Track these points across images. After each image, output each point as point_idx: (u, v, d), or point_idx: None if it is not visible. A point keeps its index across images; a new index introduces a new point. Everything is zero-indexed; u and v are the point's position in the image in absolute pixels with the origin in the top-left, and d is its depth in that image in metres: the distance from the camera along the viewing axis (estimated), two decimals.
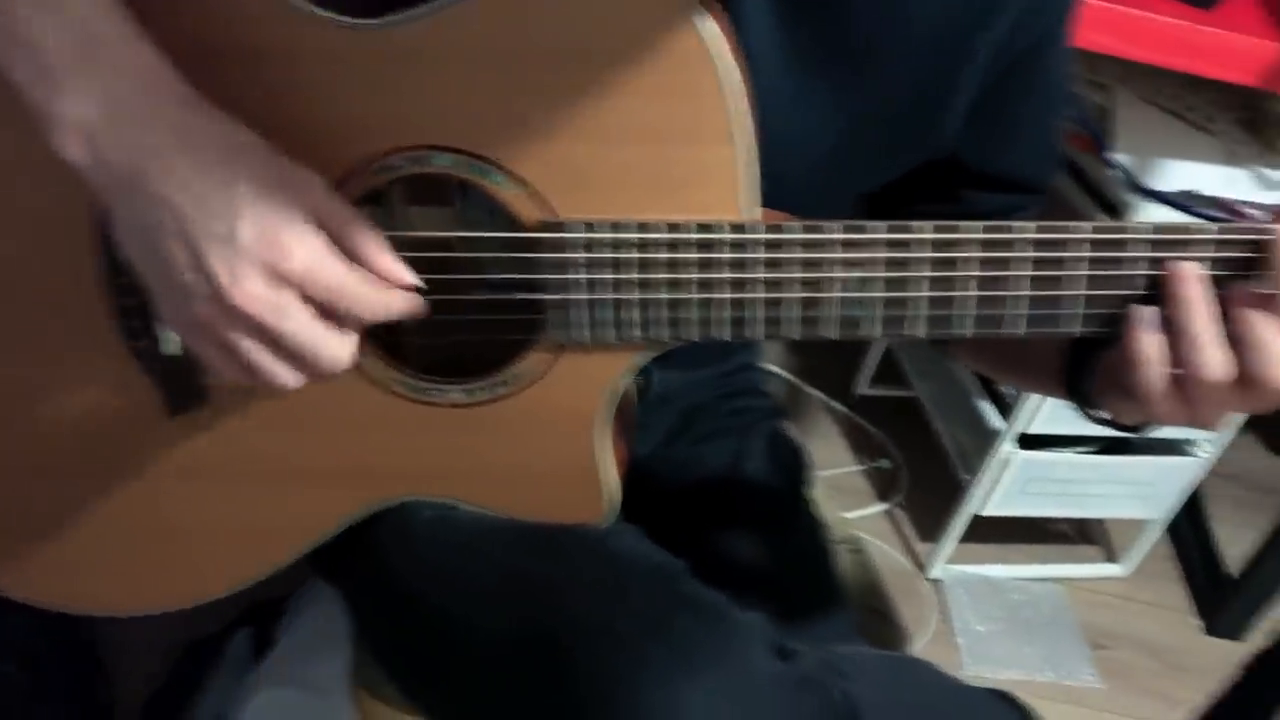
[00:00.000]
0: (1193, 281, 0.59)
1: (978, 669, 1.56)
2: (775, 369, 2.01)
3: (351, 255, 0.59)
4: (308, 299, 0.56)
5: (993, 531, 1.68)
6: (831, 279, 0.63)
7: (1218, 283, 0.59)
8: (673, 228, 0.62)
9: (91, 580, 0.78)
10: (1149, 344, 0.59)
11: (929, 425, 1.76)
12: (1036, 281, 0.61)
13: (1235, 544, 1.72)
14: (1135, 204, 1.28)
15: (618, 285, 0.64)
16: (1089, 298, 0.61)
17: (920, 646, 1.57)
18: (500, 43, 0.60)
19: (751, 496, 0.89)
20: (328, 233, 0.58)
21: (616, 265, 0.63)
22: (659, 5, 0.59)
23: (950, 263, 0.61)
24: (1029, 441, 1.53)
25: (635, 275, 0.63)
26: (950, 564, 1.69)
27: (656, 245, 0.63)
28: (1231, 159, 1.28)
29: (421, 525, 0.74)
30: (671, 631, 0.64)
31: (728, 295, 0.64)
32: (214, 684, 1.21)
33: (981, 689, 0.75)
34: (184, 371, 0.69)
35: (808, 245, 0.62)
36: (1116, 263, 0.60)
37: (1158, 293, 0.60)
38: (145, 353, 0.69)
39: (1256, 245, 0.59)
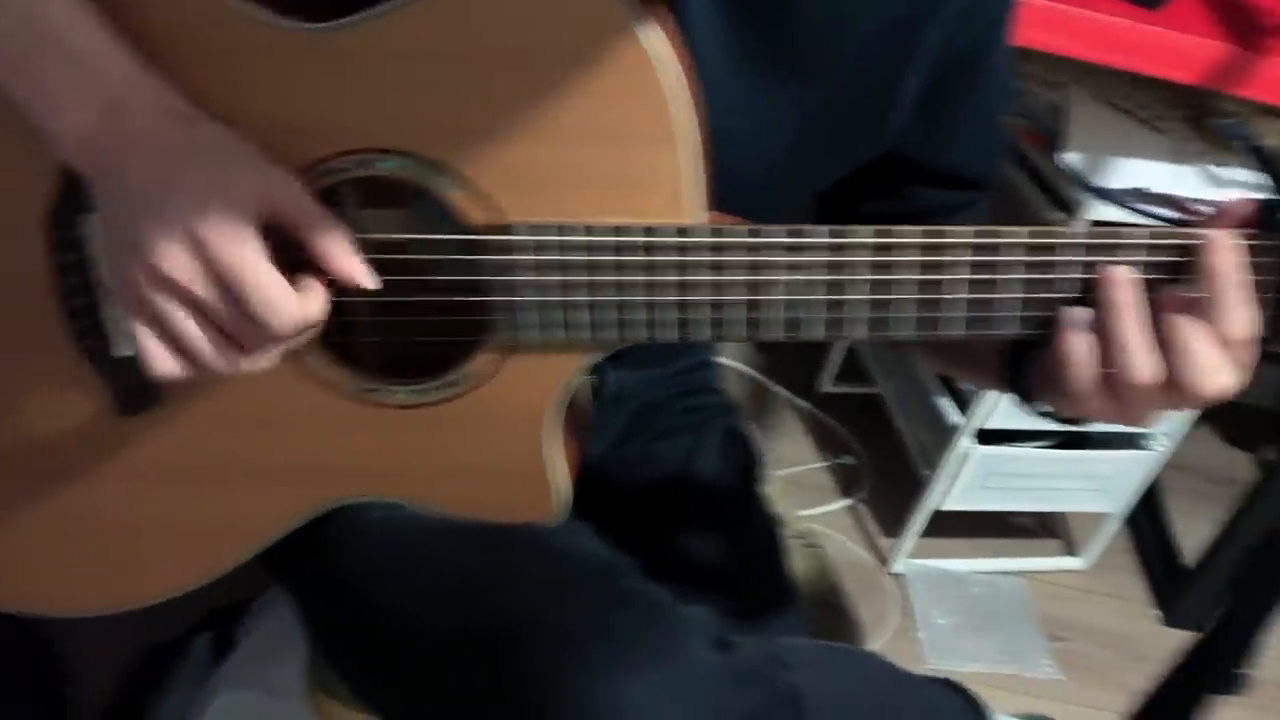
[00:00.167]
0: (1123, 285, 0.60)
1: (940, 663, 1.58)
2: (741, 367, 2.03)
3: (310, 253, 0.60)
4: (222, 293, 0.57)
5: (955, 526, 1.70)
6: (775, 282, 0.64)
7: (1150, 286, 0.60)
8: (619, 230, 0.63)
9: (44, 581, 0.78)
10: (1078, 345, 0.60)
11: (891, 422, 1.77)
12: (973, 285, 0.62)
13: (1193, 535, 1.75)
14: (1086, 202, 1.30)
15: (565, 287, 0.65)
16: (1025, 300, 0.63)
17: (883, 641, 1.59)
18: (445, 46, 0.61)
19: (703, 493, 0.90)
20: (289, 230, 0.59)
21: (563, 268, 0.64)
22: (601, 10, 0.59)
23: (889, 266, 0.62)
24: (987, 437, 1.55)
25: (582, 278, 0.64)
26: (912, 558, 1.71)
27: (603, 248, 0.63)
28: (1179, 157, 1.31)
29: (371, 525, 0.74)
30: (614, 627, 0.65)
31: (673, 298, 0.64)
32: (175, 687, 1.21)
33: (927, 678, 0.77)
34: (135, 372, 0.69)
35: (752, 249, 0.63)
36: (1050, 266, 0.62)
37: (1091, 295, 0.61)
38: (96, 353, 0.69)
39: (1186, 250, 0.60)
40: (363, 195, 0.69)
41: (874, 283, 0.63)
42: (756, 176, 0.73)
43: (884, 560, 1.73)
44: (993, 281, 0.62)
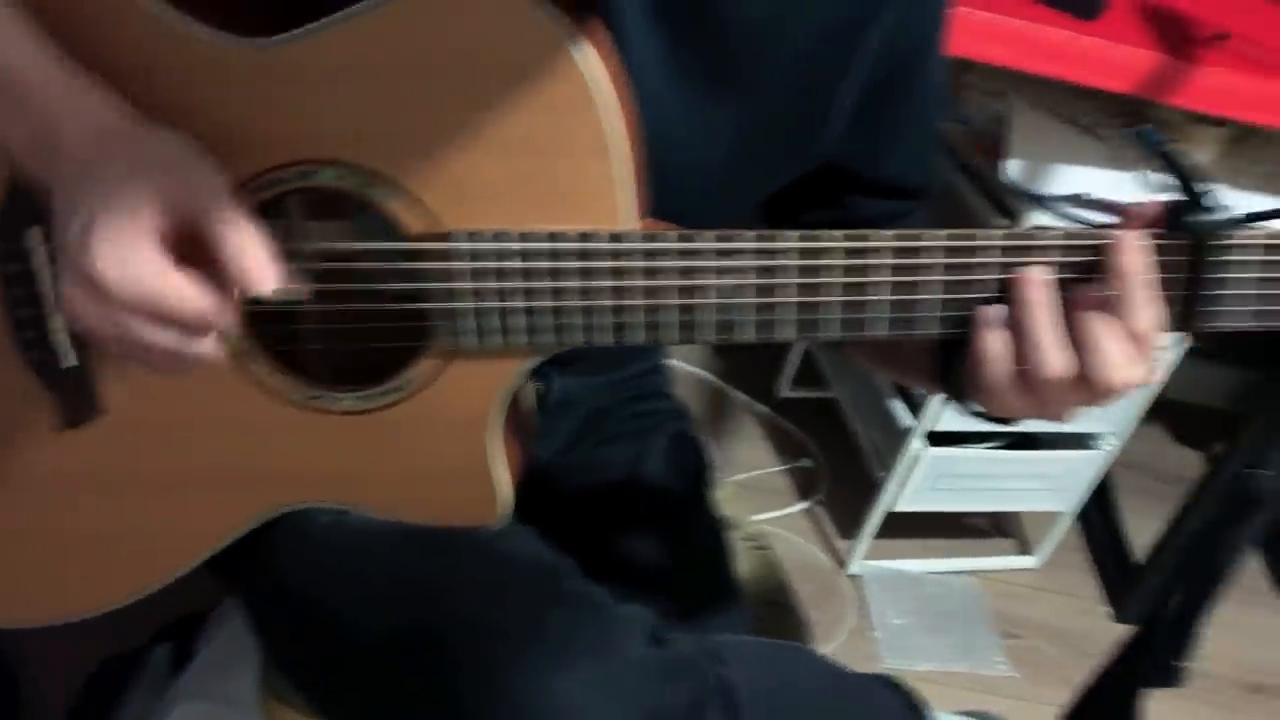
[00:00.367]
0: (1036, 285, 0.62)
1: (895, 661, 1.61)
2: (700, 372, 2.05)
3: (215, 255, 0.58)
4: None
5: (910, 527, 1.73)
6: (706, 286, 0.66)
7: (1063, 285, 0.63)
8: (553, 237, 0.65)
9: None
10: (994, 342, 0.62)
11: (847, 425, 1.80)
12: (896, 286, 0.64)
13: (1144, 533, 1.78)
14: (1028, 209, 1.33)
15: (502, 294, 0.66)
16: (945, 301, 0.65)
17: (839, 641, 1.61)
18: (383, 59, 0.62)
19: (649, 496, 0.91)
20: (200, 232, 0.58)
21: (500, 274, 0.66)
22: (536, 27, 0.61)
23: (815, 270, 0.64)
24: (939, 438, 1.57)
25: (519, 284, 0.66)
26: (867, 560, 1.73)
27: (538, 254, 0.65)
28: (1118, 163, 1.34)
29: (317, 530, 0.75)
30: (550, 627, 0.66)
31: (608, 302, 0.66)
32: (133, 697, 1.21)
33: (865, 674, 0.78)
34: (81, 383, 0.70)
35: (684, 254, 0.65)
36: (969, 268, 0.64)
37: (1007, 295, 0.63)
38: (43, 364, 0.70)
39: (1098, 250, 0.62)
40: (307, 207, 0.70)
41: (801, 285, 0.65)
42: (695, 187, 0.74)
43: (841, 562, 1.75)
44: (914, 283, 0.64)
